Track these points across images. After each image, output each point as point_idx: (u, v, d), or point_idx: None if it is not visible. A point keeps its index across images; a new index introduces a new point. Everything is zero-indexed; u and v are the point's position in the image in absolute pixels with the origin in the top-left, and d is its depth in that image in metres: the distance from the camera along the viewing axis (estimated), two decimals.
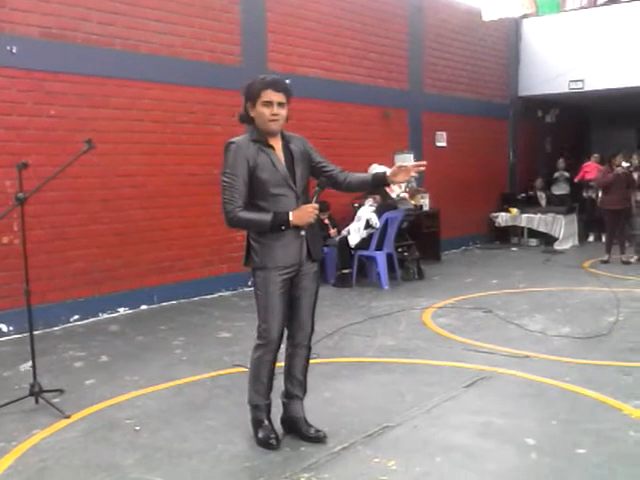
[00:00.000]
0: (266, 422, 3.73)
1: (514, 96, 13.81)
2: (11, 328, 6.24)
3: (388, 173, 3.66)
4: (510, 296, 7.84)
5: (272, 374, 3.72)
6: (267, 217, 3.47)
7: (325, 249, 8.78)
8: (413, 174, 3.67)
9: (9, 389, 4.68)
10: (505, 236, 13.05)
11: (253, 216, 3.49)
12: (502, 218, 12.88)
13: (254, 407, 3.76)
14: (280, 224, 3.48)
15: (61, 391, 4.62)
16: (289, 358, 3.79)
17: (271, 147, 3.57)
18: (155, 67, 7.40)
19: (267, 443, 3.65)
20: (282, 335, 3.69)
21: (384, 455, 3.53)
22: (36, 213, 6.24)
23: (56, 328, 6.55)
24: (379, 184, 3.76)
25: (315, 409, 4.02)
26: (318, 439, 3.70)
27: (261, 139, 3.57)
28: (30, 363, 4.47)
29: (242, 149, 3.52)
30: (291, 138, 3.71)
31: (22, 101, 6.36)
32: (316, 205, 3.55)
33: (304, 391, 3.84)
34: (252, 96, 3.56)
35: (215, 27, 8.03)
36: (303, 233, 3.58)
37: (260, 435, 3.70)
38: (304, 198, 3.65)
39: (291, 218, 3.47)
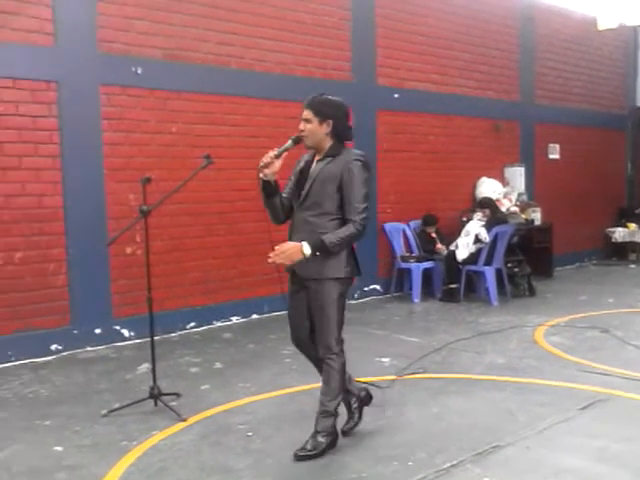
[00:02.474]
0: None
1: (632, 106, 13.21)
2: (132, 333, 6.60)
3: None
4: (628, 315, 7.48)
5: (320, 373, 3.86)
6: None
7: (431, 263, 8.73)
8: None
9: (131, 391, 4.94)
10: (622, 252, 12.45)
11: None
12: (619, 233, 12.32)
13: None
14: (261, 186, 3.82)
15: (178, 395, 4.83)
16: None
17: (313, 160, 3.83)
18: (268, 84, 7.63)
19: None
20: (301, 344, 3.97)
21: (493, 474, 3.48)
22: (156, 225, 6.54)
23: (173, 334, 6.86)
24: None
25: (424, 424, 4.01)
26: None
27: (312, 153, 3.87)
28: (146, 365, 4.69)
29: (301, 160, 3.95)
30: (338, 156, 3.71)
31: (146, 119, 6.74)
32: (270, 154, 3.74)
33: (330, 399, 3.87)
34: None
35: (325, 44, 8.19)
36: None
37: None
38: (325, 218, 3.71)
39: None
